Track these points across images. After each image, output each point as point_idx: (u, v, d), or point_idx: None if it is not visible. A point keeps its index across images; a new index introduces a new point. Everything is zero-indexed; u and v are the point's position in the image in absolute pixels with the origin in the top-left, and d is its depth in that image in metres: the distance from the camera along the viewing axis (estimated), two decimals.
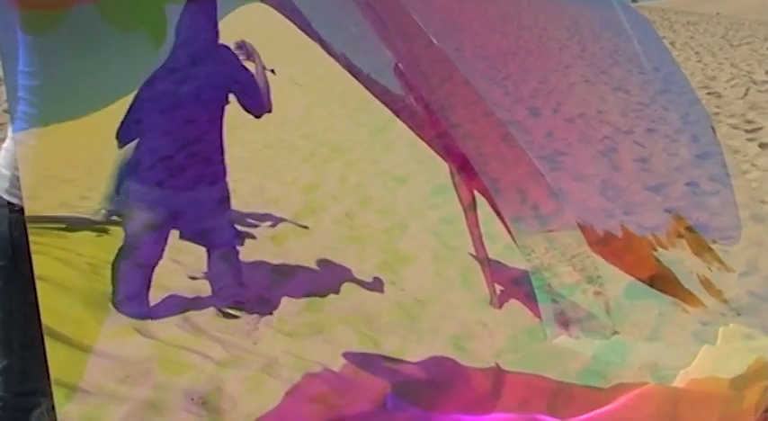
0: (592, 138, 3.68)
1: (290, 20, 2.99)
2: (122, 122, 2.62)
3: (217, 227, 3.37)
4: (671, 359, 2.85)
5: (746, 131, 8.69)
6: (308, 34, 3.01)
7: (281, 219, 3.36)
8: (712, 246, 3.25)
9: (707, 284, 3.06)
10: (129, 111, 2.61)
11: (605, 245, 3.07)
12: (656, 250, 3.13)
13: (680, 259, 3.14)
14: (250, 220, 3.39)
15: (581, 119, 3.81)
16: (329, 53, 3.04)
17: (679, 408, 2.68)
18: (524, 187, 3.09)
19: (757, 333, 2.98)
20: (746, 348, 2.91)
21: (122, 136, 2.64)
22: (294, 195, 3.68)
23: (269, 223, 3.37)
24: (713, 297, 3.02)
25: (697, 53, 24.47)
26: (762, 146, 7.67)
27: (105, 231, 2.63)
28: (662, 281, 3.08)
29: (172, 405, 2.40)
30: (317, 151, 3.74)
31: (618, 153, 3.66)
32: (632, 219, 3.37)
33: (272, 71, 3.44)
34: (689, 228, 3.28)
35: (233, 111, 3.48)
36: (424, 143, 3.10)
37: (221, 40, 2.91)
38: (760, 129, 8.73)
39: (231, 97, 3.01)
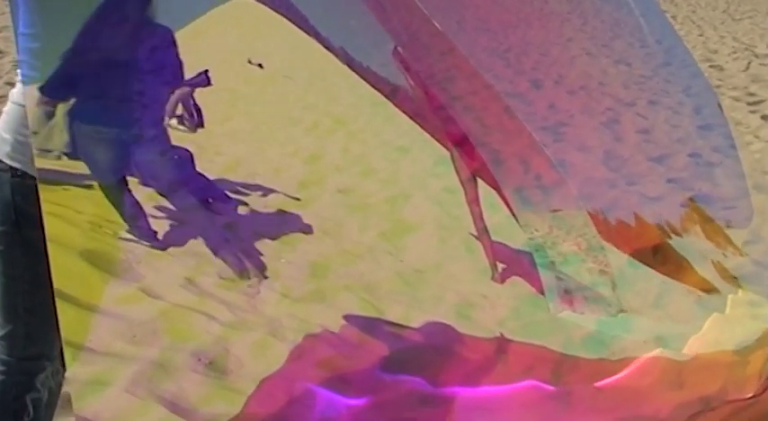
0: (594, 109, 3.68)
1: (285, 16, 3.01)
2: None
3: (219, 196, 3.39)
4: (676, 334, 2.86)
5: (748, 104, 8.70)
6: (303, 30, 3.02)
7: (272, 190, 3.37)
8: (726, 230, 3.26)
9: (722, 271, 3.07)
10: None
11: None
12: (669, 237, 3.14)
13: (694, 245, 3.15)
14: (240, 189, 3.40)
15: (583, 91, 3.81)
16: (327, 48, 3.06)
17: (683, 376, 2.69)
18: (527, 158, 3.10)
19: (761, 300, 2.99)
20: (750, 315, 2.92)
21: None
22: (296, 166, 3.68)
23: (259, 193, 3.38)
24: (728, 283, 3.03)
25: (699, 27, 24.46)
26: (764, 118, 7.68)
27: (91, 187, 2.63)
28: (664, 252, 3.09)
29: (179, 365, 2.40)
30: (319, 122, 3.74)
31: (620, 124, 3.67)
32: (635, 190, 3.38)
33: (260, 65, 3.47)
34: (702, 213, 3.29)
35: (235, 81, 3.49)
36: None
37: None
38: (762, 101, 8.74)
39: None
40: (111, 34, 2.69)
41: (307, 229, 3.06)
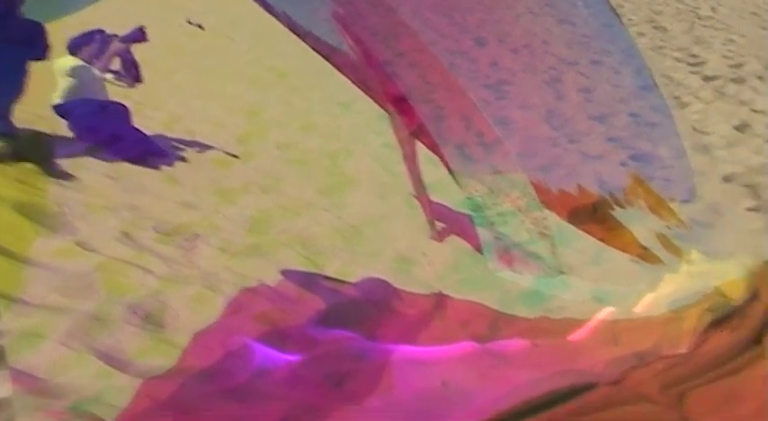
0: (537, 68, 3.70)
1: None
2: None
3: (156, 151, 3.39)
4: (616, 293, 2.88)
5: (690, 65, 8.72)
6: None
7: (210, 147, 3.37)
8: (669, 204, 3.29)
9: (665, 242, 3.09)
10: None
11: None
12: (613, 209, 3.16)
13: (638, 218, 3.17)
14: (176, 144, 3.40)
15: (526, 49, 3.82)
16: (270, 12, 3.05)
17: (618, 332, 2.71)
18: (469, 115, 3.10)
19: (698, 258, 3.02)
20: (687, 273, 2.95)
21: None
22: (239, 120, 3.67)
23: (196, 149, 3.39)
24: (672, 254, 3.05)
25: None
26: (705, 79, 7.71)
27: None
28: (604, 209, 3.11)
29: (116, 318, 2.40)
30: (262, 77, 3.73)
31: (563, 83, 3.69)
32: (576, 148, 3.40)
33: (200, 26, 3.47)
34: (646, 187, 3.31)
35: (178, 38, 3.46)
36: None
37: None
38: (704, 63, 8.77)
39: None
40: None
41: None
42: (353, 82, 3.07)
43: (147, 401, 2.13)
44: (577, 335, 2.66)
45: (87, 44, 3.64)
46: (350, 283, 2.80)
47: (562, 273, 2.87)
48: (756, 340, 2.49)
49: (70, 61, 3.56)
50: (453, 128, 3.07)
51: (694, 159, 3.51)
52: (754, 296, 2.68)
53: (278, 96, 3.70)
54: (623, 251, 3.00)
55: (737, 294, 2.70)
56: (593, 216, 3.08)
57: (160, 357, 2.34)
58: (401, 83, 3.00)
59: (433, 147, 2.96)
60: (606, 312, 2.71)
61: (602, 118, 3.56)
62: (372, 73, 3.04)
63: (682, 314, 2.73)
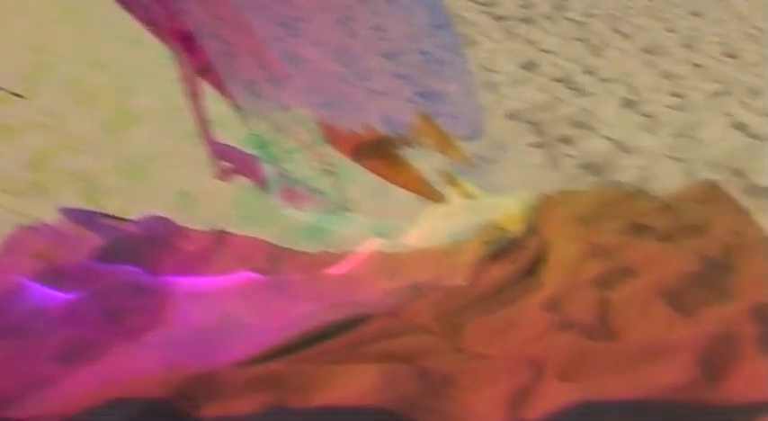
0: (330, 6, 3.71)
1: None
2: None
3: None
4: (394, 227, 2.95)
5: (481, 5, 8.87)
6: None
7: None
8: (455, 142, 3.36)
9: (449, 179, 3.17)
10: None
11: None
12: (398, 147, 3.21)
13: (423, 155, 3.23)
14: None
15: None
16: None
17: (396, 265, 2.78)
18: (260, 53, 3.11)
19: (479, 193, 3.12)
20: (468, 207, 3.05)
21: None
22: (24, 56, 3.59)
23: None
24: (455, 190, 3.13)
25: None
26: (495, 18, 7.88)
27: None
28: (386, 145, 3.17)
29: None
30: (48, 12, 3.65)
31: (355, 21, 3.71)
32: (365, 85, 3.44)
33: None
34: (434, 126, 3.37)
35: None
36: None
37: None
38: (495, 3, 8.94)
39: None
40: None
41: None
42: (139, 20, 3.04)
43: None
44: (343, 268, 2.72)
45: None
46: (130, 221, 2.81)
47: (346, 209, 2.92)
48: (532, 272, 2.60)
49: None
50: (243, 65, 3.07)
51: (482, 96, 3.60)
52: (531, 229, 2.78)
53: (65, 32, 3.63)
54: (406, 188, 3.08)
55: (516, 227, 2.80)
56: (377, 153, 3.14)
57: None
58: (190, 19, 2.98)
59: (219, 86, 2.96)
60: (374, 243, 2.78)
61: (393, 55, 3.61)
62: (159, 10, 3.01)
63: (460, 247, 2.81)
